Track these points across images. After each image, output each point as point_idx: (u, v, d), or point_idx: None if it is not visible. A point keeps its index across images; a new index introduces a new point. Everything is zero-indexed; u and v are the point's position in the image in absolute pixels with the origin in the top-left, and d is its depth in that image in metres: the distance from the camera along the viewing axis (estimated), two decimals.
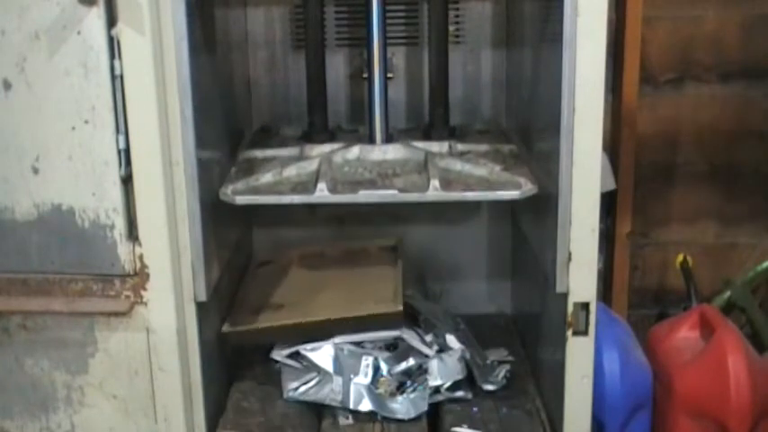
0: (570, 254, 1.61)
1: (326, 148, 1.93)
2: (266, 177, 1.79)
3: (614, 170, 2.38)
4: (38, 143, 1.55)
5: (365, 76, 1.98)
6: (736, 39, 2.37)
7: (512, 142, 2.00)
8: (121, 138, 1.53)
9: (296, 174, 1.82)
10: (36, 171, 1.56)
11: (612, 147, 2.39)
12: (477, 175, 1.78)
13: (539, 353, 1.93)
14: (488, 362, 1.95)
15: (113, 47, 1.49)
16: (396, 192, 1.71)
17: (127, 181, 1.56)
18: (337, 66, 2.20)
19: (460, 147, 1.96)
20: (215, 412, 1.79)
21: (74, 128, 1.53)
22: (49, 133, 1.54)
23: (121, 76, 1.51)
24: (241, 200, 1.72)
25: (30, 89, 1.52)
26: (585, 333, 1.66)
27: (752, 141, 2.45)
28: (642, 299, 2.56)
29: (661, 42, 2.38)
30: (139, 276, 1.60)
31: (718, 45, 2.38)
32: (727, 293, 2.45)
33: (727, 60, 2.39)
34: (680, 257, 2.43)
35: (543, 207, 1.73)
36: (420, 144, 1.95)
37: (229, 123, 1.98)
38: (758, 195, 2.49)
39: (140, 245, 1.59)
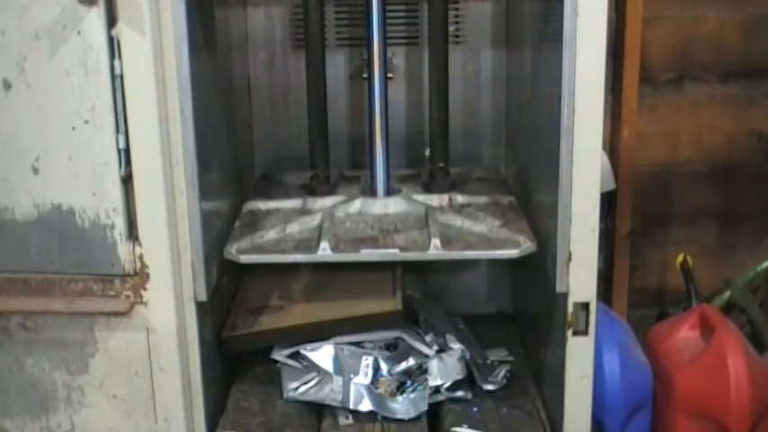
0: (570, 254, 1.61)
1: (328, 201, 1.96)
2: (270, 234, 1.82)
3: (614, 170, 2.38)
4: (38, 143, 1.55)
5: (365, 76, 1.98)
6: (736, 39, 2.37)
7: (511, 193, 2.02)
8: (121, 138, 1.53)
9: (299, 230, 1.84)
10: (36, 171, 1.56)
11: (612, 147, 2.39)
12: (476, 232, 1.80)
13: (539, 353, 1.93)
14: (488, 362, 1.95)
15: (113, 47, 1.49)
16: (397, 251, 1.73)
17: (127, 181, 1.56)
18: (337, 66, 2.20)
19: (460, 199, 1.98)
20: (215, 412, 1.79)
21: (74, 128, 1.53)
22: (49, 133, 1.54)
23: (121, 76, 1.51)
24: (245, 259, 1.75)
25: (30, 89, 1.52)
26: (585, 333, 1.66)
27: (752, 141, 2.45)
28: (642, 299, 2.56)
29: (661, 42, 2.38)
30: (139, 276, 1.60)
31: (718, 45, 2.38)
32: (727, 293, 2.45)
33: (727, 60, 2.39)
34: (680, 257, 2.43)
35: (543, 207, 1.73)
36: (420, 197, 1.97)
37: (229, 123, 1.98)
38: (758, 195, 2.49)
39: (140, 245, 1.59)
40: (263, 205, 1.99)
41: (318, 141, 2.04)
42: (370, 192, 1.98)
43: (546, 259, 1.71)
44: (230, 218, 1.95)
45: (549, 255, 1.66)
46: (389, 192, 1.97)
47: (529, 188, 1.96)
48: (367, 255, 1.73)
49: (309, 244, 1.76)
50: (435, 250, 1.70)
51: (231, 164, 2.00)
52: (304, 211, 1.94)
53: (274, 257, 1.76)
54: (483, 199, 1.98)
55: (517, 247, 1.73)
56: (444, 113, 2.04)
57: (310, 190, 2.01)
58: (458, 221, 1.84)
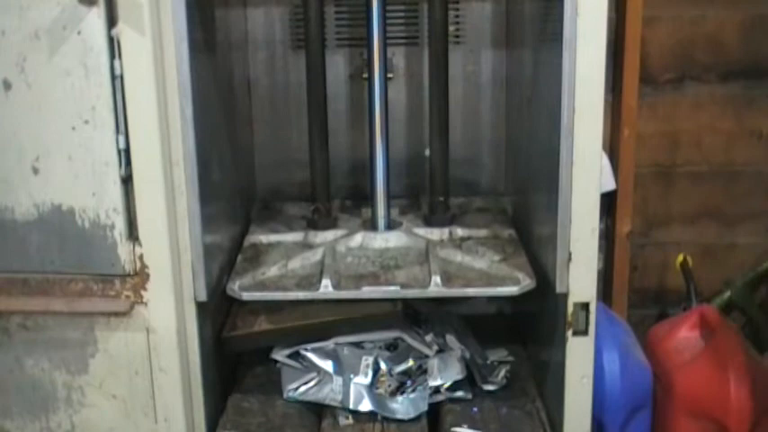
0: (570, 254, 1.61)
1: (330, 235, 1.97)
2: (272, 270, 1.83)
3: (614, 170, 2.38)
4: (38, 143, 1.55)
5: (365, 76, 1.98)
6: (736, 39, 2.37)
7: (511, 227, 2.04)
8: (121, 138, 1.53)
9: (300, 266, 1.86)
10: (36, 171, 1.56)
11: (612, 147, 2.39)
12: (476, 268, 1.82)
13: (539, 353, 1.93)
14: (488, 362, 1.95)
15: (113, 47, 1.49)
16: (398, 288, 1.74)
17: (127, 181, 1.56)
18: (337, 66, 2.21)
19: (461, 232, 2.00)
20: (215, 412, 1.79)
21: (74, 128, 1.53)
22: (49, 133, 1.54)
23: (121, 76, 1.51)
24: (247, 296, 1.77)
25: (30, 89, 1.52)
26: (585, 333, 1.66)
27: (752, 141, 2.45)
28: (642, 299, 2.56)
29: (661, 42, 2.38)
30: (139, 276, 1.60)
31: (718, 45, 2.38)
32: (727, 293, 2.45)
33: (727, 60, 2.39)
34: (680, 257, 2.42)
35: (543, 207, 1.73)
36: (421, 231, 1.99)
37: (229, 123, 1.98)
38: (758, 195, 2.49)
39: (140, 245, 1.59)
40: (264, 238, 2.01)
41: (319, 173, 2.05)
42: (371, 225, 2.00)
43: (545, 263, 1.72)
44: (232, 218, 1.96)
45: (549, 255, 1.67)
46: (390, 225, 2.00)
47: (529, 189, 1.97)
48: (368, 292, 1.75)
49: (311, 281, 1.79)
50: (436, 287, 1.73)
51: (232, 164, 2.00)
52: (306, 245, 1.97)
53: (276, 295, 1.79)
54: (483, 232, 2.01)
55: (517, 284, 1.75)
56: (444, 118, 2.04)
57: (312, 223, 2.03)
58: (458, 257, 1.86)
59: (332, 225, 2.03)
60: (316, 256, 1.89)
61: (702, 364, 1.98)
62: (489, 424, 1.76)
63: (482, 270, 1.81)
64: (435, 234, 1.99)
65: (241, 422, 1.78)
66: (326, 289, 1.73)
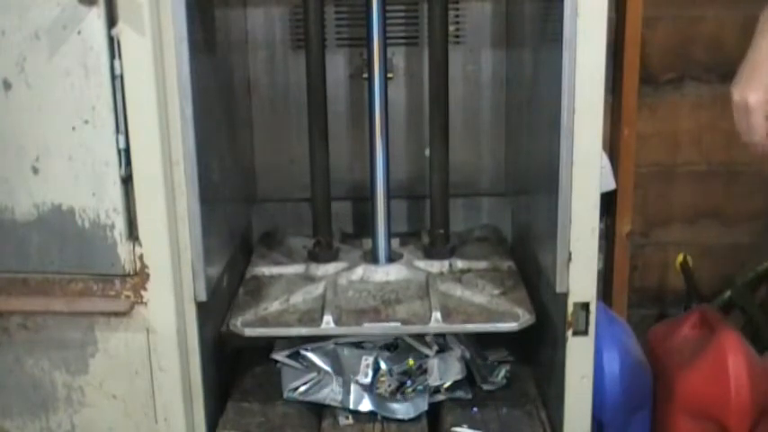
0: (570, 254, 1.61)
1: (331, 268, 1.98)
2: (274, 306, 1.84)
3: (614, 170, 2.38)
4: (38, 143, 1.55)
5: (365, 76, 1.98)
6: (736, 39, 2.37)
7: (511, 258, 2.05)
8: (121, 138, 1.53)
9: (302, 300, 1.86)
10: (36, 171, 1.56)
11: (612, 147, 2.39)
12: (476, 303, 1.83)
13: (539, 353, 1.93)
14: (488, 362, 1.95)
15: (113, 47, 1.49)
16: (399, 324, 1.75)
17: (127, 181, 1.56)
18: (337, 66, 2.21)
19: (460, 264, 2.01)
20: (215, 412, 1.79)
21: (74, 128, 1.53)
22: (49, 133, 1.54)
23: (121, 76, 1.50)
24: (250, 332, 1.77)
25: (30, 89, 1.52)
26: (585, 333, 1.66)
27: None
28: (642, 299, 2.56)
29: (661, 42, 2.38)
30: (139, 276, 1.60)
31: (718, 45, 2.38)
32: (727, 293, 2.45)
33: (727, 60, 2.39)
34: (680, 257, 2.43)
35: (543, 207, 1.73)
36: (421, 263, 2.00)
37: (229, 123, 1.98)
38: (758, 195, 2.49)
39: (140, 245, 1.59)
40: (266, 270, 2.02)
41: (321, 207, 2.05)
42: (372, 257, 2.00)
43: (545, 263, 1.72)
44: (233, 218, 1.95)
45: (549, 255, 1.67)
46: (391, 257, 2.00)
47: (529, 189, 1.97)
48: (369, 328, 1.76)
49: (313, 316, 1.79)
50: (436, 323, 1.73)
51: (232, 164, 2.00)
52: (307, 277, 1.97)
53: (278, 331, 1.80)
54: (482, 264, 2.02)
55: (516, 320, 1.76)
56: (444, 118, 2.04)
57: (313, 255, 2.04)
58: (458, 291, 1.87)
59: (333, 257, 2.03)
60: (317, 290, 1.89)
61: (702, 364, 1.98)
62: (489, 424, 1.76)
63: (482, 305, 1.82)
64: (435, 266, 2.00)
65: (241, 422, 1.78)
66: (328, 325, 1.74)
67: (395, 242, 2.07)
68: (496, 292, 1.89)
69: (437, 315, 1.74)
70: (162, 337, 1.62)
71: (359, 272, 1.96)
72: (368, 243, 2.06)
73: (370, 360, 1.83)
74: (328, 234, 2.07)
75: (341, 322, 1.76)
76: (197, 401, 1.70)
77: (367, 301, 1.86)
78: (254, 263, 2.07)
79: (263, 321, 1.80)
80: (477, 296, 1.85)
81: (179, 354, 1.64)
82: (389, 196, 1.99)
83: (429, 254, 2.04)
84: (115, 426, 1.68)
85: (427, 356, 1.87)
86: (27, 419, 1.69)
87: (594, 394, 1.70)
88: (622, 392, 1.98)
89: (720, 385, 1.92)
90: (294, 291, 1.89)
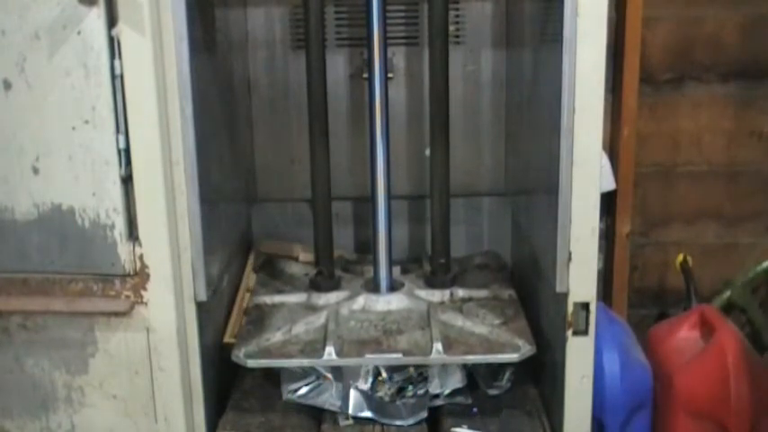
0: (570, 254, 1.61)
1: (333, 297, 1.97)
2: (276, 336, 1.83)
3: (614, 170, 2.38)
4: (38, 143, 1.55)
5: (365, 76, 1.98)
6: (736, 39, 2.37)
7: (511, 287, 2.04)
8: (121, 138, 1.54)
9: (304, 330, 1.85)
10: (36, 171, 1.56)
11: (612, 147, 2.39)
12: (477, 333, 1.82)
13: (539, 353, 1.92)
14: (492, 366, 1.94)
15: (113, 47, 1.50)
16: (400, 355, 1.74)
17: (127, 181, 1.56)
18: (337, 66, 2.20)
19: (461, 293, 2.00)
20: (215, 412, 1.79)
21: (74, 128, 1.53)
22: (49, 133, 1.54)
23: (121, 76, 1.51)
24: (253, 363, 1.76)
25: (30, 89, 1.52)
26: (585, 333, 1.66)
27: (752, 141, 2.45)
28: (642, 299, 2.56)
29: (661, 42, 2.38)
30: (139, 276, 1.60)
31: (718, 45, 2.38)
32: (727, 293, 2.45)
33: (727, 60, 2.39)
34: (680, 257, 2.42)
35: (543, 207, 1.73)
36: (422, 293, 1.98)
37: (229, 123, 1.98)
38: (758, 195, 2.49)
39: (140, 245, 1.59)
40: (269, 299, 2.01)
41: (321, 207, 2.03)
42: (373, 287, 2.00)
43: (545, 263, 1.71)
44: (233, 218, 1.95)
45: (549, 255, 1.66)
46: (392, 286, 1.99)
47: (529, 189, 1.97)
48: (370, 359, 1.75)
49: (315, 346, 1.78)
50: (437, 355, 1.73)
51: (232, 164, 2.00)
52: (309, 306, 1.96)
53: (281, 362, 1.79)
54: (483, 293, 2.01)
55: (517, 351, 1.76)
56: (444, 118, 2.03)
57: (315, 284, 2.03)
58: (459, 321, 1.87)
59: (335, 286, 2.02)
60: (319, 320, 1.88)
61: (702, 364, 1.98)
62: (489, 424, 1.76)
63: (482, 335, 1.82)
64: (436, 296, 1.98)
65: (241, 422, 1.78)
66: (330, 356, 1.73)
67: (396, 270, 2.05)
68: (497, 321, 1.87)
69: (438, 346, 1.73)
70: (162, 336, 1.62)
71: (360, 301, 1.95)
72: (369, 271, 2.04)
73: (371, 367, 1.82)
74: (329, 264, 2.04)
75: (343, 353, 1.75)
76: (197, 401, 1.70)
77: (368, 331, 1.85)
78: (256, 291, 2.05)
79: (266, 353, 1.78)
80: (478, 326, 1.84)
81: (179, 354, 1.64)
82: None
83: (430, 283, 2.03)
84: (115, 426, 1.68)
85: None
86: (27, 419, 1.69)
87: (594, 394, 1.70)
88: (622, 392, 1.98)
89: (720, 385, 1.92)
90: (296, 321, 1.87)
